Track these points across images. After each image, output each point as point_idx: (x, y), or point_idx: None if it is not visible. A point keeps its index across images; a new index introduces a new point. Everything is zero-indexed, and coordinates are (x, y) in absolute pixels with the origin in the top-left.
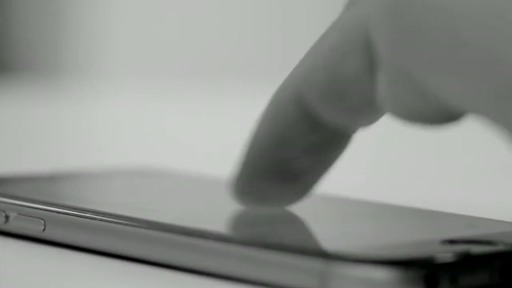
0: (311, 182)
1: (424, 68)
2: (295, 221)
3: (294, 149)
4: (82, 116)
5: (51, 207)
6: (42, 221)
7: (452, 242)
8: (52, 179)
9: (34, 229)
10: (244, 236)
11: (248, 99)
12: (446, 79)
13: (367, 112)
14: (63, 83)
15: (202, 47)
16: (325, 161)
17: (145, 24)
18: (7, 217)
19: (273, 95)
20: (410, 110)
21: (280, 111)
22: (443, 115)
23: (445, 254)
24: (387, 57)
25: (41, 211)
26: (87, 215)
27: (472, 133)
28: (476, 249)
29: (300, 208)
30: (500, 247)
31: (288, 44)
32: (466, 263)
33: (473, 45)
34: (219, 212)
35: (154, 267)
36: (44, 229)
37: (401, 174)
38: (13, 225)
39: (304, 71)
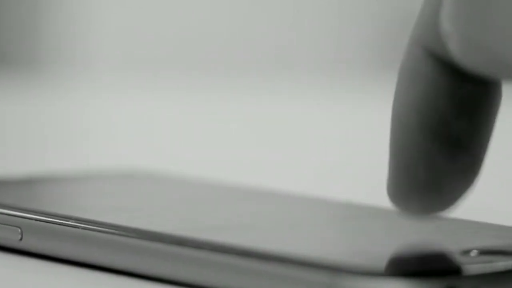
0: (478, 149)
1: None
2: (300, 229)
3: (447, 111)
4: (68, 114)
5: (29, 214)
6: (19, 230)
7: (474, 252)
8: (30, 183)
9: (10, 238)
10: (245, 246)
11: (247, 99)
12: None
13: None
14: (48, 78)
15: (200, 43)
16: (483, 119)
17: (138, 15)
18: None
19: (402, 64)
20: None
21: (418, 75)
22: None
23: (467, 266)
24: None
25: (17, 218)
26: (69, 223)
27: (499, 135)
28: (501, 260)
29: (306, 215)
30: None
31: (287, 43)
32: (489, 275)
33: None
34: (217, 219)
35: (144, 280)
36: (21, 239)
37: None
38: None
39: (422, 23)
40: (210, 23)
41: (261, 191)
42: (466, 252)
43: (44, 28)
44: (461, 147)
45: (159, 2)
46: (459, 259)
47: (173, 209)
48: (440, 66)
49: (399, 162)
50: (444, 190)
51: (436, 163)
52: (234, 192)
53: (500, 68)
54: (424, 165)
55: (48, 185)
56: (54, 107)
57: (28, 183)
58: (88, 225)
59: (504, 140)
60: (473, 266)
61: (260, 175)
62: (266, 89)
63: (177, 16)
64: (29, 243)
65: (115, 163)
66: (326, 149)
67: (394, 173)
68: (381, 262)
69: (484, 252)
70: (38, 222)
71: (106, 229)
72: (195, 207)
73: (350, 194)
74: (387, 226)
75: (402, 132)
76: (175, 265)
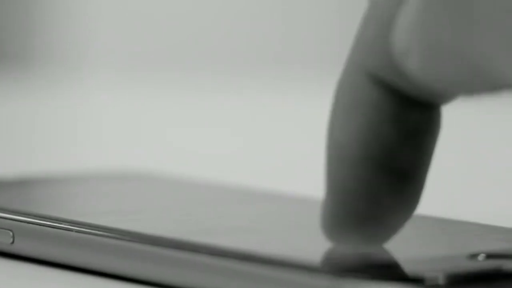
0: (421, 179)
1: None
2: (301, 232)
3: (391, 141)
4: (61, 112)
5: (21, 216)
6: (11, 233)
7: (482, 256)
8: (22, 184)
9: (1, 241)
10: (244, 249)
11: (246, 98)
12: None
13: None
14: (40, 77)
15: (198, 41)
16: (426, 147)
17: (133, 13)
18: None
19: (340, 90)
20: (437, 70)
21: (361, 103)
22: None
23: (474, 270)
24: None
25: (9, 221)
26: (62, 225)
27: (507, 136)
28: (508, 264)
29: (307, 217)
30: None
31: (286, 41)
32: (497, 280)
33: None
34: (215, 222)
35: (140, 285)
36: (12, 242)
37: None
38: None
39: (364, 48)
40: (208, 21)
41: (260, 192)
42: (473, 256)
43: (36, 26)
44: (405, 178)
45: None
46: (466, 263)
47: (169, 211)
48: (384, 93)
49: (337, 195)
50: (385, 223)
51: (378, 196)
52: (233, 193)
53: (473, 76)
54: (365, 198)
55: (40, 186)
56: (47, 106)
57: (20, 184)
58: (81, 228)
59: (510, 143)
60: (481, 270)
61: (260, 176)
62: (265, 88)
63: (172, 14)
64: (21, 247)
65: (109, 164)
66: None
67: (330, 205)
68: (385, 266)
69: (492, 255)
70: (30, 225)
71: (100, 232)
72: (192, 209)
73: None
74: None
75: (342, 162)
76: (171, 269)
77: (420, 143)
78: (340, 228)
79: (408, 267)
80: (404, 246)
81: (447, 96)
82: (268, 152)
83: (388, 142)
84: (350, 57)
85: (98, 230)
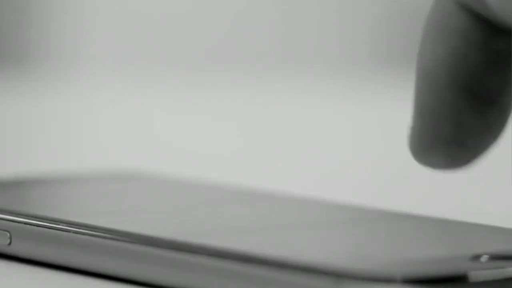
0: (506, 104)
1: None
2: (303, 233)
3: (477, 66)
4: (60, 112)
5: (18, 217)
6: (8, 234)
7: (484, 258)
8: (19, 185)
9: None
10: (244, 251)
11: (242, 94)
12: None
13: None
14: (39, 75)
15: (197, 40)
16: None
17: (129, 11)
18: None
19: (430, 17)
20: None
21: (448, 29)
22: None
23: (476, 272)
24: None
25: (6, 222)
26: (60, 226)
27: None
28: None
29: (308, 218)
30: None
31: (286, 41)
32: (500, 282)
33: None
34: (215, 222)
35: (138, 286)
36: (9, 243)
37: (425, 179)
38: None
39: None
40: (208, 21)
41: (260, 192)
42: (476, 257)
43: (32, 25)
44: (490, 103)
45: None
46: (469, 264)
47: (168, 212)
48: (472, 20)
49: (425, 117)
50: (469, 145)
51: (463, 118)
52: (233, 194)
53: None
54: (451, 120)
55: (38, 187)
56: (45, 106)
57: (17, 185)
58: (79, 229)
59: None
60: (483, 271)
61: (260, 176)
62: (266, 88)
63: (172, 13)
64: (18, 248)
65: (108, 164)
66: (329, 150)
67: (418, 128)
68: (387, 268)
69: (495, 257)
70: (28, 225)
71: (99, 233)
72: (192, 210)
73: (355, 197)
74: (393, 230)
75: (430, 87)
76: (170, 270)
77: (506, 69)
78: (426, 150)
79: (409, 268)
80: (405, 247)
81: None
82: (268, 152)
83: (475, 68)
84: None
85: (97, 231)
